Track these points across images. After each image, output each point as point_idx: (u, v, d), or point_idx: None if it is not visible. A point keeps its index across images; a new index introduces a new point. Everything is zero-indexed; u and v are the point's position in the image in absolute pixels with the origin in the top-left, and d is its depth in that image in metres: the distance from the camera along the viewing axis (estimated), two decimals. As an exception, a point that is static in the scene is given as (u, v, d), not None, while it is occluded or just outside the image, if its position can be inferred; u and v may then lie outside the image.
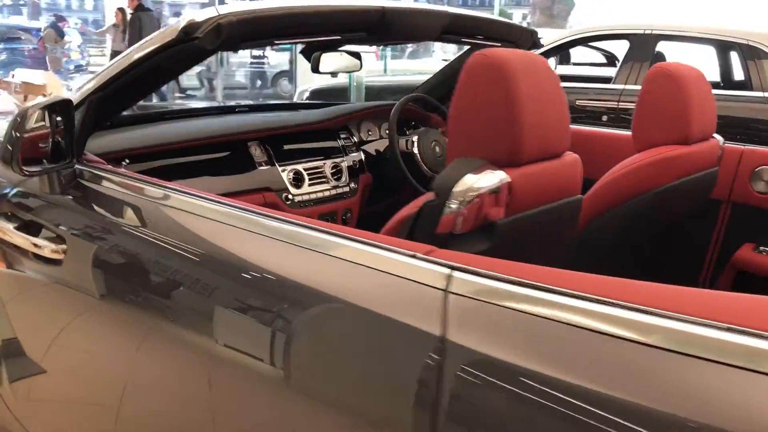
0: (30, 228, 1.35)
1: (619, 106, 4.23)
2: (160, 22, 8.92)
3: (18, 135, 1.23)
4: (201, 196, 1.17)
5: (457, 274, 0.78)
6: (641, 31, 4.34)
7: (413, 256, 0.83)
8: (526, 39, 1.99)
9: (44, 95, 7.51)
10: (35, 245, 1.29)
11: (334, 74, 1.61)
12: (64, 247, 1.25)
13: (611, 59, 6.06)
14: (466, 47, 2.08)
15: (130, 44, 8.49)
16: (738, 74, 4.57)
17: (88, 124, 1.37)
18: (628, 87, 4.27)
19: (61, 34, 12.59)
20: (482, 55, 1.06)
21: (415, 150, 2.05)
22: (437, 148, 2.10)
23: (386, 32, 1.57)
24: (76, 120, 1.33)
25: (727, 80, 4.92)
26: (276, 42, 1.44)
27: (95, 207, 1.29)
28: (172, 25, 1.30)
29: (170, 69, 1.39)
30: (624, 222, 1.49)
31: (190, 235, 1.10)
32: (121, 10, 9.21)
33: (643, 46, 4.31)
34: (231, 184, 1.79)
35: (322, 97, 5.19)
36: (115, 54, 9.32)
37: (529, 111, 1.04)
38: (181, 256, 1.07)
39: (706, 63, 4.83)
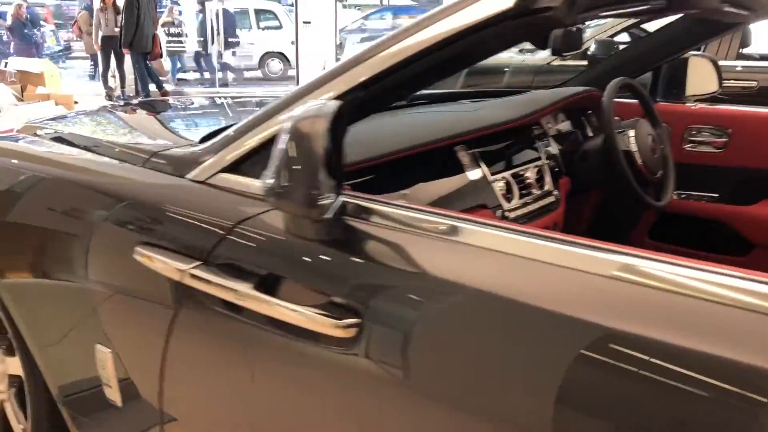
0: (266, 285, 0.94)
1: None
2: (157, 4, 8.30)
3: (310, 163, 0.81)
4: (499, 225, 0.83)
5: None
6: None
7: None
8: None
9: (43, 85, 6.93)
10: (307, 317, 0.87)
11: (564, 56, 1.24)
12: (353, 320, 0.85)
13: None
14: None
15: (126, 28, 7.85)
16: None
17: (343, 133, 0.96)
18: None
19: None
20: None
21: (633, 147, 1.66)
22: (651, 143, 1.71)
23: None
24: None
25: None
26: (606, 14, 1.04)
27: (378, 258, 0.89)
28: None
29: (482, 52, 0.98)
30: None
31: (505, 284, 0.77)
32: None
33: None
34: (442, 199, 1.39)
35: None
36: (106, 39, 8.64)
37: None
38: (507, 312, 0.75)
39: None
